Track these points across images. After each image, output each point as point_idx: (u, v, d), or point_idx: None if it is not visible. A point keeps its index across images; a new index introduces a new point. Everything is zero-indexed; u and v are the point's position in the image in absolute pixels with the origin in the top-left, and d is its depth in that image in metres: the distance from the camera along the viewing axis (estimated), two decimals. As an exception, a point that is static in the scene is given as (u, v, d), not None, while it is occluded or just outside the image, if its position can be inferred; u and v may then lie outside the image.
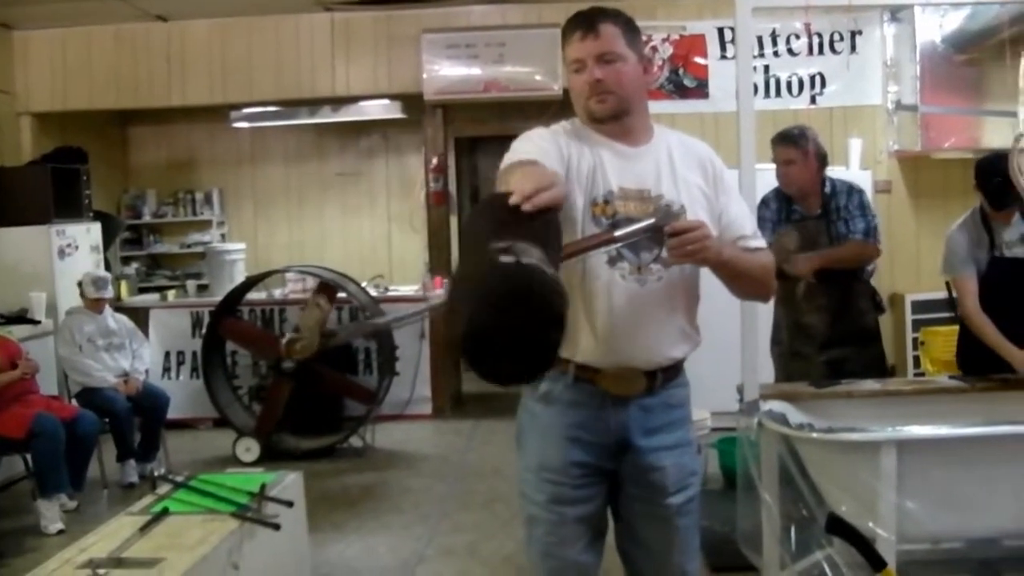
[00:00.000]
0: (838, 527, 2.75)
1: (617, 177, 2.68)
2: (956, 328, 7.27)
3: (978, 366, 4.61)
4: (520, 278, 1.91)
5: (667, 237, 2.50)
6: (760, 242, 2.87)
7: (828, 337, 5.06)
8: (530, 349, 1.98)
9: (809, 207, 5.13)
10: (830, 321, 5.06)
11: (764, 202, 5.05)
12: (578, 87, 2.74)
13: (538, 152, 2.56)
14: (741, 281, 2.81)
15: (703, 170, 2.80)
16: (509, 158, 2.56)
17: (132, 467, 7.07)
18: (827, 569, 3.84)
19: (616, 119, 2.72)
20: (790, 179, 5.10)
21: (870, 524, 3.50)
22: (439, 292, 8.97)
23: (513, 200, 2.08)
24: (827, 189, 5.12)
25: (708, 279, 2.80)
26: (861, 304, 5.13)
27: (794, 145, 5.07)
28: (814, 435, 3.63)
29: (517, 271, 1.91)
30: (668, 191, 2.71)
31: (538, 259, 1.95)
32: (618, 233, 2.49)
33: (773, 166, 5.13)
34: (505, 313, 1.91)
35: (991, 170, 4.58)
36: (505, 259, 1.92)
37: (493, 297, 1.91)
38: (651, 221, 2.51)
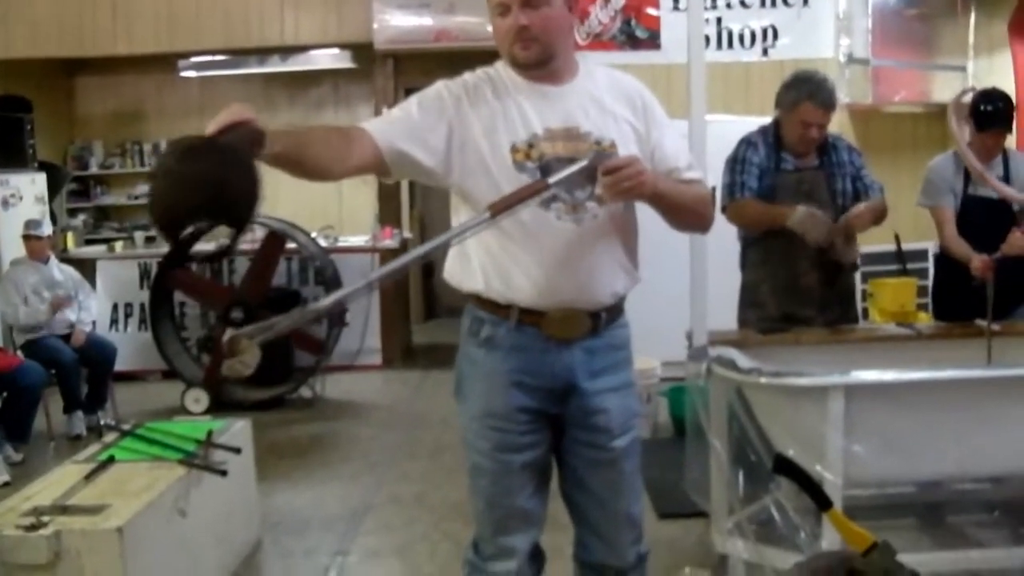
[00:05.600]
0: (785, 467, 2.74)
1: (540, 119, 2.64)
2: (903, 280, 7.43)
3: (953, 310, 4.65)
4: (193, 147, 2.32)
5: (601, 176, 2.48)
6: (695, 174, 2.82)
7: (825, 297, 4.61)
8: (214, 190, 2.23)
9: (804, 158, 4.60)
10: (827, 280, 4.60)
11: (750, 144, 4.58)
12: (502, 31, 2.67)
13: (402, 117, 2.75)
14: (678, 213, 2.76)
15: (632, 104, 2.75)
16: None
17: (79, 418, 7.01)
18: (775, 513, 3.87)
19: (541, 65, 2.66)
20: (810, 144, 4.54)
21: (818, 468, 3.53)
22: (388, 242, 8.94)
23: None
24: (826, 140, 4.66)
25: (652, 224, 2.78)
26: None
27: (831, 110, 4.52)
28: (762, 380, 3.64)
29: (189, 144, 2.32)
30: (596, 126, 2.66)
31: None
32: (551, 180, 2.48)
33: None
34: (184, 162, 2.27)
35: (990, 96, 4.71)
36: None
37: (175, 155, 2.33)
38: (583, 163, 2.51)
